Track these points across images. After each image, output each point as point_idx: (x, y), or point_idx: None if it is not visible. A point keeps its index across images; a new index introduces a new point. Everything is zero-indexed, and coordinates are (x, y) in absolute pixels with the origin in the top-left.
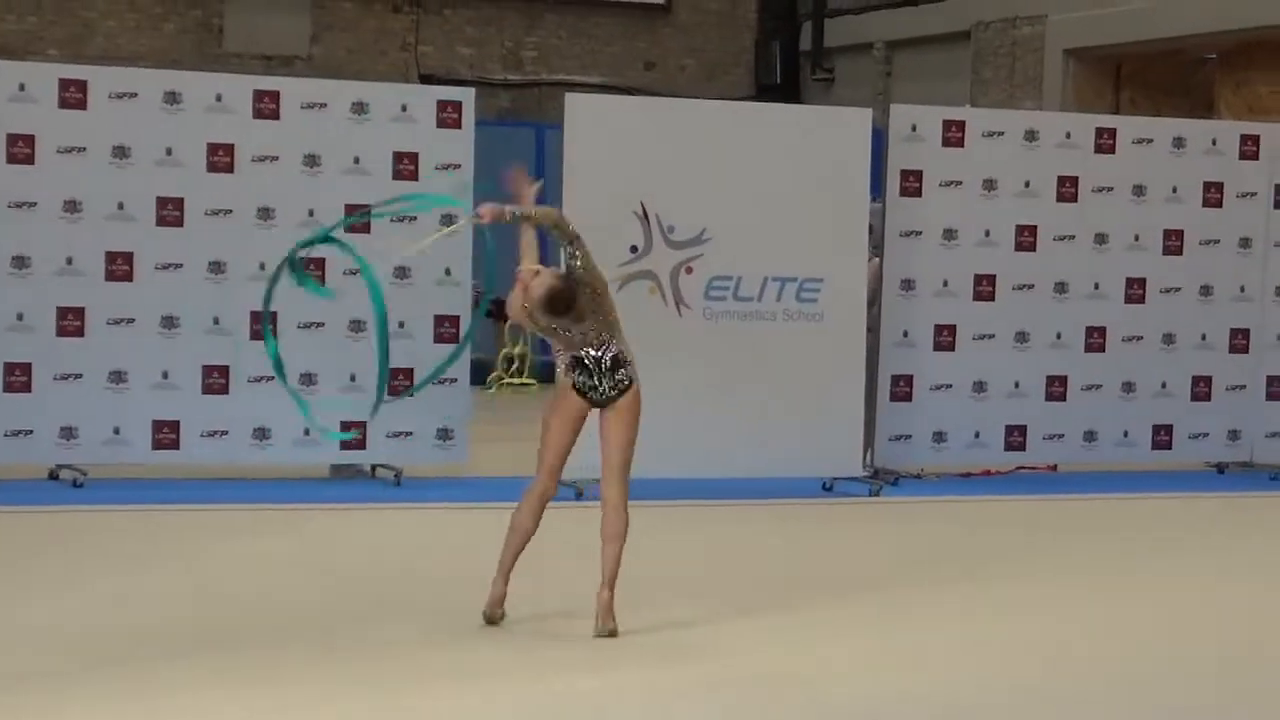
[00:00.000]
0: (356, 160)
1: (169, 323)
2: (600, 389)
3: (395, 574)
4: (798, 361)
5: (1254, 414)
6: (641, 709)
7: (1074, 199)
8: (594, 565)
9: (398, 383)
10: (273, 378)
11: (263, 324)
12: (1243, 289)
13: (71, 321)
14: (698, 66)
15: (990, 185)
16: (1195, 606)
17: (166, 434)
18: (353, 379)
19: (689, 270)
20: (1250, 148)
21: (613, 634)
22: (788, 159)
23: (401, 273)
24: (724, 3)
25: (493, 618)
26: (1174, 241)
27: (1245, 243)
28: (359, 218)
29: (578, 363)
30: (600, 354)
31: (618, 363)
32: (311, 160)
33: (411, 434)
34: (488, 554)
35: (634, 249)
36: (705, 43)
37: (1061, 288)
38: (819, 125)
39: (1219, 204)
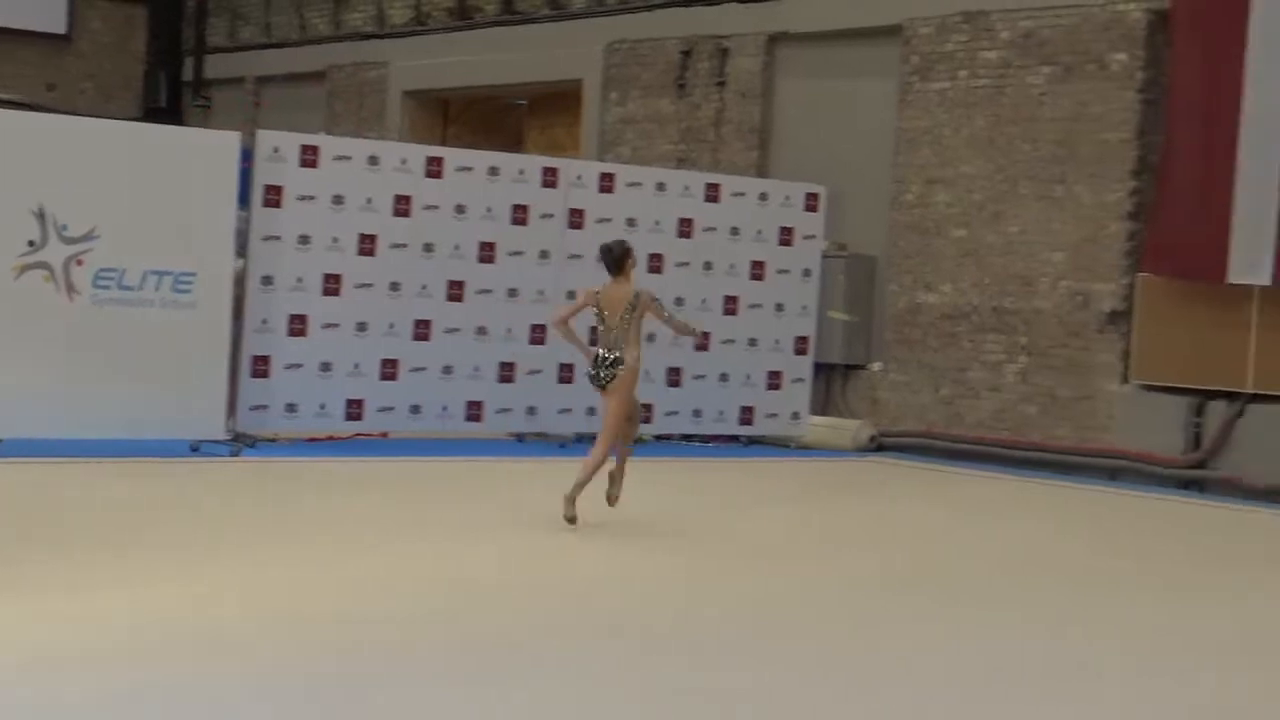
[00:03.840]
0: None
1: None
2: (600, 377)
3: None
4: (172, 342)
5: (549, 394)
6: None
7: (407, 214)
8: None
9: None
10: None
11: None
12: (541, 291)
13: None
14: (95, 89)
15: (339, 200)
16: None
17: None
18: None
19: (79, 263)
20: (551, 177)
21: (571, 520)
22: (168, 171)
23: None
24: (118, 35)
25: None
26: (488, 252)
27: (545, 254)
28: None
29: (594, 359)
30: (608, 355)
31: (616, 362)
32: None
33: None
34: None
35: (31, 243)
36: (101, 69)
37: (395, 287)
38: (196, 144)
39: (525, 222)
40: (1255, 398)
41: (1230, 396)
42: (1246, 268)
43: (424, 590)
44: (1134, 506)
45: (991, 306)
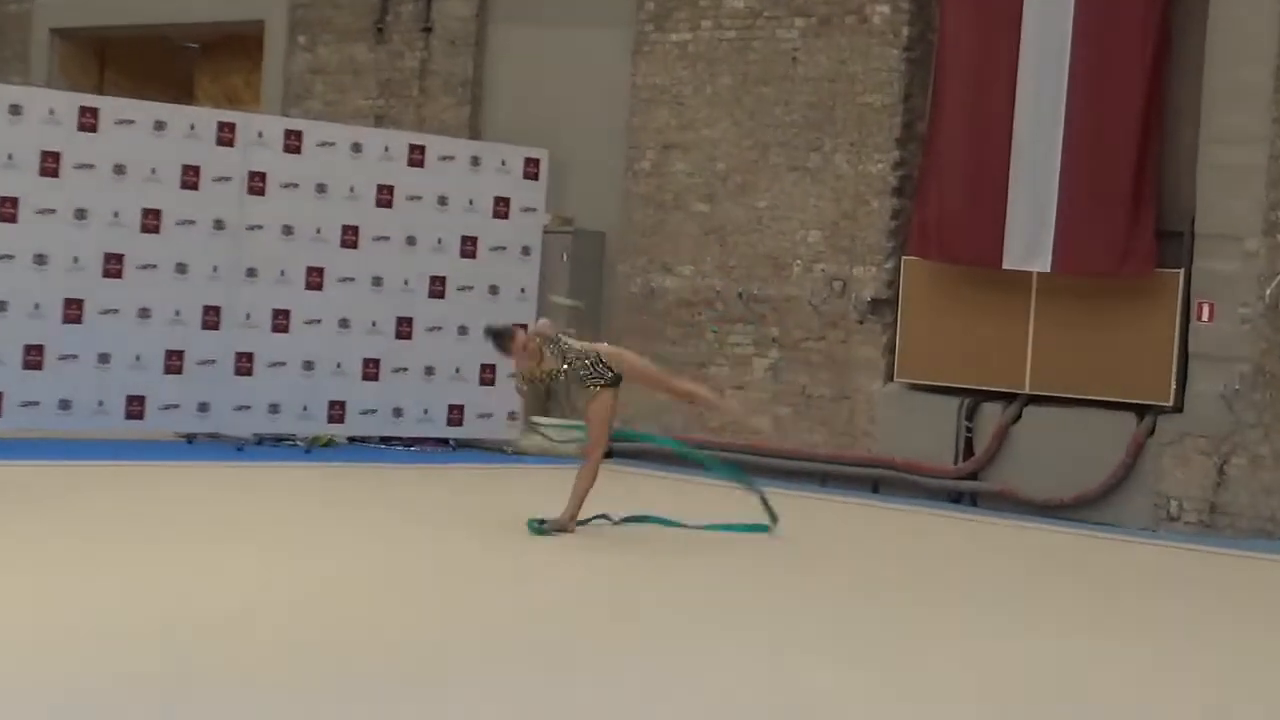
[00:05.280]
0: None
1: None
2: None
3: None
4: None
5: (224, 388)
6: None
7: (56, 174)
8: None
9: None
10: None
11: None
12: (215, 268)
13: None
14: None
15: None
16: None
17: None
18: None
19: None
20: (227, 134)
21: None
22: None
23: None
24: None
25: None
26: (153, 220)
27: (220, 224)
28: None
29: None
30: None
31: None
32: None
33: None
34: None
35: None
36: None
37: (41, 260)
38: None
39: (196, 186)
40: (1033, 399)
41: (1006, 398)
42: (1024, 253)
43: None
44: (895, 522)
45: (738, 293)
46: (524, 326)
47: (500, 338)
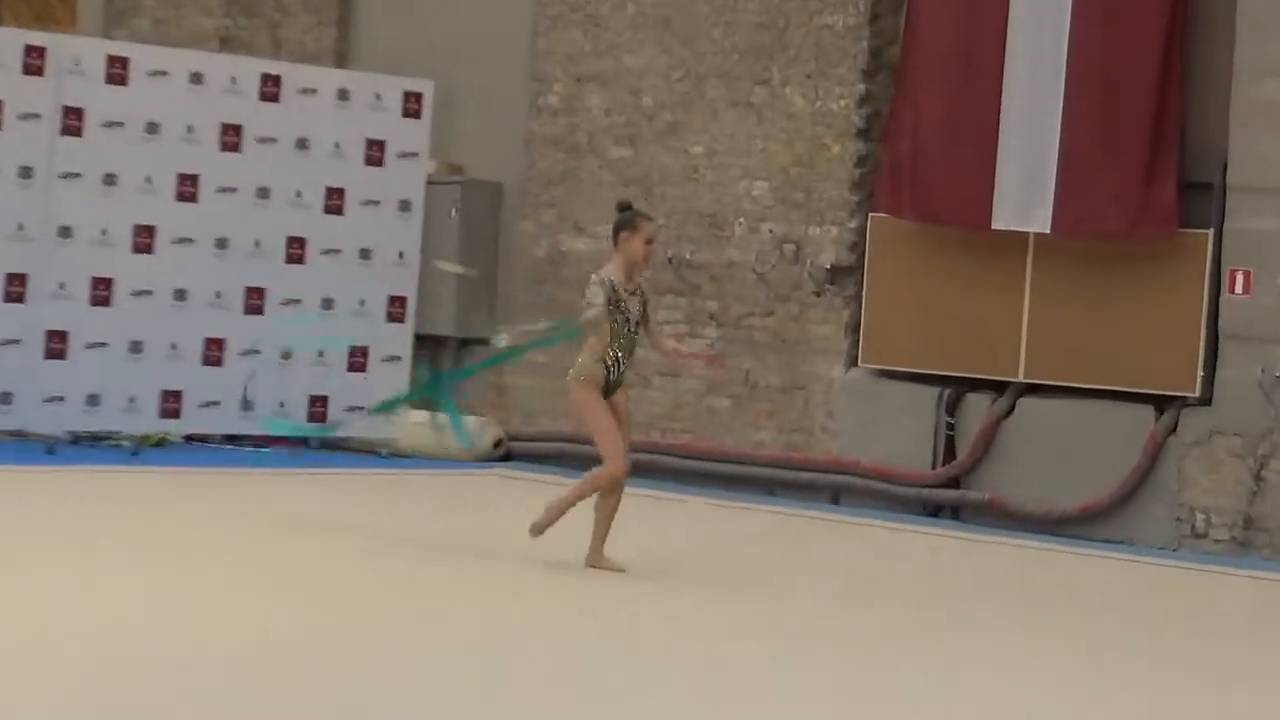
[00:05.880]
0: None
1: None
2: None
3: None
4: None
5: (32, 376)
6: None
7: None
8: None
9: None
10: None
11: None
12: (21, 226)
13: None
14: None
15: None
16: None
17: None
18: None
19: None
20: (35, 60)
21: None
22: None
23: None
24: None
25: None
26: None
27: (27, 172)
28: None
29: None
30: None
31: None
32: None
33: None
34: None
35: None
36: None
37: None
38: None
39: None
40: (1029, 389)
41: (996, 388)
42: (1018, 210)
43: None
44: (859, 540)
45: (667, 257)
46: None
47: (631, 216)
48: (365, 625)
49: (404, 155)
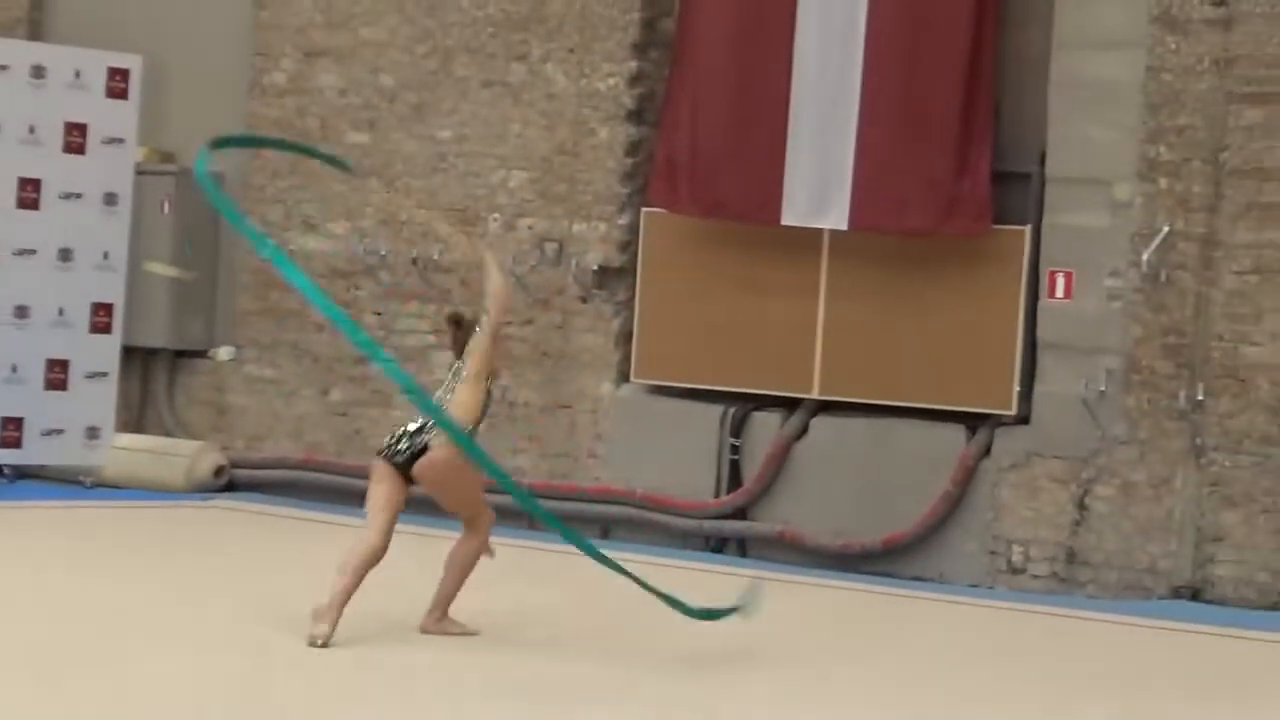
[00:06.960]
0: None
1: None
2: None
3: None
4: None
5: None
6: None
7: None
8: None
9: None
10: None
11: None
12: None
13: None
14: None
15: None
16: None
17: None
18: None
19: None
20: None
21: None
22: None
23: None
24: None
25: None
26: None
27: None
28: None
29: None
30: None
31: (421, 430)
32: None
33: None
34: None
35: None
36: None
37: None
38: None
39: None
40: (824, 407)
41: (787, 405)
42: (812, 204)
43: None
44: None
45: (411, 258)
46: None
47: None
48: None
49: (109, 141)
